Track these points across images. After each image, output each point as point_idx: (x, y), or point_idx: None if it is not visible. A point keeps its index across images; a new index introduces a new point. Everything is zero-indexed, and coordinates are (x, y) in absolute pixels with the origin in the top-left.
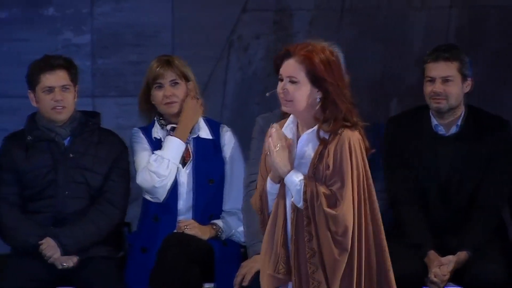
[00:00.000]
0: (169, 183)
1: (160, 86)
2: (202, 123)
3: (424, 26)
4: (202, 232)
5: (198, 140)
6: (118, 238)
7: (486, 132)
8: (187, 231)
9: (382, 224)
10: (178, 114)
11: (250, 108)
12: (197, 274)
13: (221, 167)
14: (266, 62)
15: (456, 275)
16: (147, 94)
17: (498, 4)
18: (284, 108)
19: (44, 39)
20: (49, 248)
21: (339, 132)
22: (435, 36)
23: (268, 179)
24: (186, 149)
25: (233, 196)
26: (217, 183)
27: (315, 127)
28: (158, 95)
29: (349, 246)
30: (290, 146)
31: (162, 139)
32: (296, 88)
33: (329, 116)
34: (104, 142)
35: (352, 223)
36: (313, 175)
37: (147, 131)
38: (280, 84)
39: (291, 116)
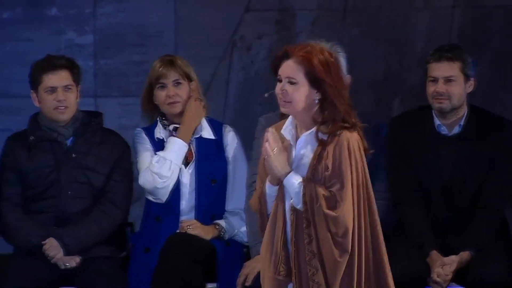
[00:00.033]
0: (171, 184)
1: (163, 86)
2: (204, 123)
3: (426, 26)
4: (205, 232)
5: (201, 140)
6: (120, 238)
7: (488, 132)
8: (190, 231)
9: (380, 224)
10: (181, 114)
11: (252, 108)
12: (199, 274)
13: (223, 167)
14: (269, 62)
15: (458, 275)
16: (149, 94)
17: (501, 4)
18: (283, 109)
19: (46, 39)
20: (52, 248)
21: (338, 133)
22: (438, 36)
23: (267, 181)
24: (189, 149)
25: (235, 196)
26: (219, 183)
27: (314, 129)
28: (161, 95)
29: (350, 247)
30: (287, 148)
31: (165, 139)
32: (295, 89)
33: (327, 117)
34: (107, 142)
35: (352, 224)
36: (312, 177)
37: (150, 132)
38: (278, 85)
39: (290, 117)
